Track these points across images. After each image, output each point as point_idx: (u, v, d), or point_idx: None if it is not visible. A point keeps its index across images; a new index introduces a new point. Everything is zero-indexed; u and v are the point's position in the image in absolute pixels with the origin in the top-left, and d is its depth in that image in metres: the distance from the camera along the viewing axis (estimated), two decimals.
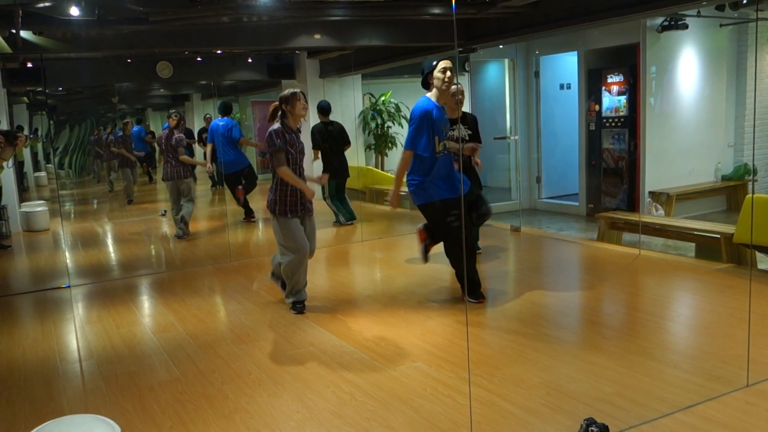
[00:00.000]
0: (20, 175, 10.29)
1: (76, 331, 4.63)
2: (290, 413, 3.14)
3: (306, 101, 4.63)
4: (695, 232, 6.25)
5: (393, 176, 9.74)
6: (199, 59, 9.18)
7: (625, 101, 9.10)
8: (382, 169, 10.84)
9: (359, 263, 6.58)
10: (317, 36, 7.55)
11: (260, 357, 3.91)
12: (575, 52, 9.77)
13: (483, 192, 6.19)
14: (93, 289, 5.88)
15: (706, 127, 9.47)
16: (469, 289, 4.74)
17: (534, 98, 10.74)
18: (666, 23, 8.64)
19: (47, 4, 5.51)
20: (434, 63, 4.50)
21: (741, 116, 9.69)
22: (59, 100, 10.72)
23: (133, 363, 3.94)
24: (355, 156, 8.73)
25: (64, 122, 10.89)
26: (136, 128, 10.32)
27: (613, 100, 9.25)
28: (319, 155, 7.98)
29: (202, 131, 9.85)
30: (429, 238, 4.91)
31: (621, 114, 9.18)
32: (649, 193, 8.90)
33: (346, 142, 8.14)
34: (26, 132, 10.10)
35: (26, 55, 7.59)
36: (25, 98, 10.48)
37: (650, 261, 5.79)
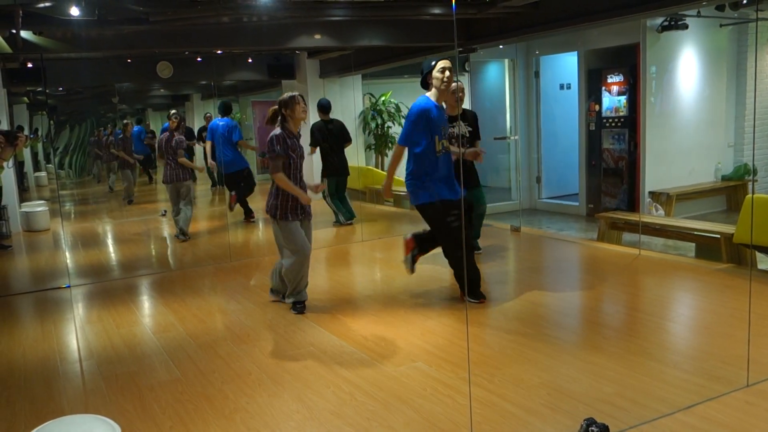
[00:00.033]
0: (20, 175, 10.29)
1: (77, 331, 4.63)
2: (290, 413, 3.15)
3: (305, 104, 4.64)
4: (695, 232, 6.24)
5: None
6: (199, 59, 9.18)
7: (625, 101, 9.10)
8: (383, 170, 10.83)
9: (359, 263, 6.58)
10: (317, 36, 7.55)
11: (260, 357, 3.91)
12: (575, 52, 9.77)
13: (482, 189, 6.22)
14: (93, 289, 5.88)
15: (706, 127, 9.47)
16: (470, 289, 4.74)
17: (534, 98, 10.74)
18: (666, 23, 8.64)
19: (47, 4, 5.52)
20: (433, 63, 4.51)
21: (741, 116, 9.69)
22: (59, 100, 10.72)
23: (133, 363, 3.94)
24: (355, 156, 8.73)
25: (64, 122, 10.89)
26: (136, 128, 10.32)
27: (613, 100, 9.25)
28: (317, 152, 7.99)
29: (202, 130, 9.85)
30: (417, 247, 4.87)
31: (621, 114, 9.18)
32: (649, 193, 8.90)
33: (347, 139, 8.15)
34: (26, 132, 10.10)
35: (26, 55, 7.59)
36: (26, 98, 10.48)
37: (650, 261, 5.79)
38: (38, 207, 8.95)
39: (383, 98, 11.04)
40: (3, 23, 5.86)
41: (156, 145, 8.98)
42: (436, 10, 6.82)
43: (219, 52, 8.83)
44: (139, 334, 4.49)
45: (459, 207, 4.48)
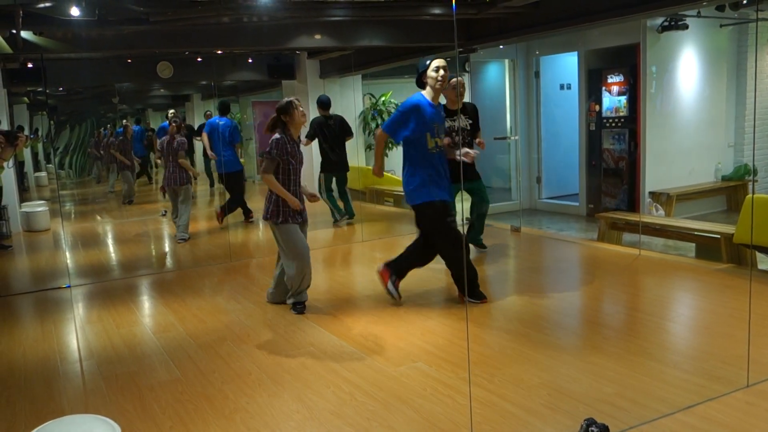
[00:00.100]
0: (21, 176, 10.29)
1: (77, 331, 4.63)
2: (290, 413, 3.15)
3: (303, 107, 4.66)
4: (695, 233, 6.25)
5: (393, 176, 9.79)
6: (199, 59, 9.19)
7: (625, 101, 9.10)
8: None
9: (359, 263, 6.58)
10: (317, 36, 7.56)
11: (260, 357, 3.91)
12: (575, 53, 9.77)
13: (483, 184, 6.23)
14: (93, 289, 5.88)
15: (707, 127, 9.47)
16: (469, 289, 4.73)
17: (534, 98, 10.74)
18: (666, 23, 8.64)
19: (48, 4, 5.52)
20: (428, 62, 4.51)
21: (741, 116, 9.69)
22: (60, 100, 10.73)
23: (133, 363, 3.94)
24: (356, 156, 8.73)
25: (64, 122, 10.90)
26: (136, 128, 10.33)
27: (613, 100, 9.25)
28: (318, 150, 7.99)
29: (201, 127, 9.87)
30: (393, 274, 4.76)
31: (621, 114, 9.18)
32: (650, 193, 8.90)
33: (348, 133, 8.14)
34: (27, 132, 10.11)
35: (27, 56, 7.59)
36: (26, 98, 10.48)
37: (650, 261, 5.79)
38: (38, 207, 8.95)
39: (383, 98, 11.05)
40: (3, 23, 5.87)
41: (156, 147, 8.98)
42: (436, 11, 6.82)
43: (219, 52, 8.84)
44: (139, 334, 4.49)
45: (455, 207, 4.48)
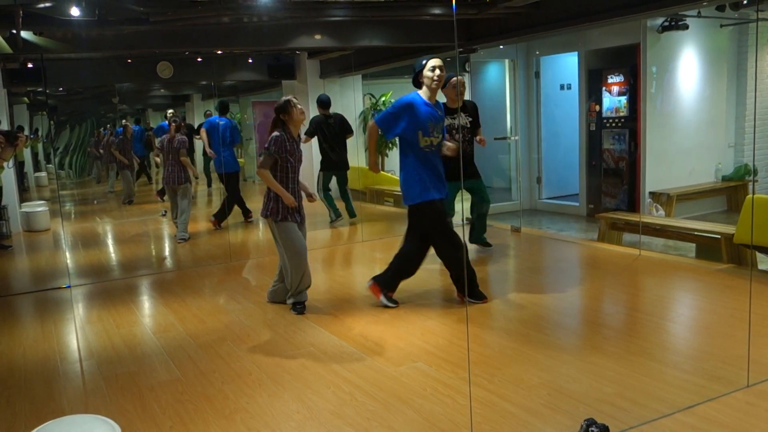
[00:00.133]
0: (21, 176, 10.30)
1: (77, 331, 4.63)
2: (290, 413, 3.14)
3: (301, 105, 4.66)
4: (695, 233, 6.24)
5: (393, 176, 9.78)
6: (199, 59, 9.19)
7: (625, 102, 9.10)
8: (383, 170, 10.83)
9: (359, 263, 6.58)
10: (318, 36, 7.55)
11: (260, 357, 3.91)
12: (575, 53, 9.77)
13: (483, 183, 6.23)
14: (93, 289, 5.88)
15: (707, 127, 9.47)
16: (470, 289, 4.73)
17: (534, 99, 10.73)
18: (666, 24, 8.64)
19: (48, 4, 5.52)
20: (424, 62, 4.51)
21: (741, 116, 9.69)
22: (60, 100, 10.73)
23: (133, 363, 3.94)
24: (356, 157, 8.73)
25: (64, 122, 10.90)
26: (136, 128, 10.33)
27: (613, 100, 9.25)
28: (314, 145, 8.00)
29: (201, 124, 9.87)
30: (384, 288, 4.74)
31: (621, 114, 9.17)
32: (650, 193, 8.90)
33: (349, 131, 8.16)
34: (27, 132, 10.11)
35: (27, 56, 7.59)
36: (26, 98, 10.49)
37: (650, 261, 5.79)
38: (38, 207, 8.95)
39: (383, 98, 11.04)
40: (3, 23, 5.86)
41: (155, 145, 8.98)
42: (437, 11, 6.82)
43: (219, 52, 8.84)
44: (139, 334, 4.49)
45: (450, 207, 4.47)
